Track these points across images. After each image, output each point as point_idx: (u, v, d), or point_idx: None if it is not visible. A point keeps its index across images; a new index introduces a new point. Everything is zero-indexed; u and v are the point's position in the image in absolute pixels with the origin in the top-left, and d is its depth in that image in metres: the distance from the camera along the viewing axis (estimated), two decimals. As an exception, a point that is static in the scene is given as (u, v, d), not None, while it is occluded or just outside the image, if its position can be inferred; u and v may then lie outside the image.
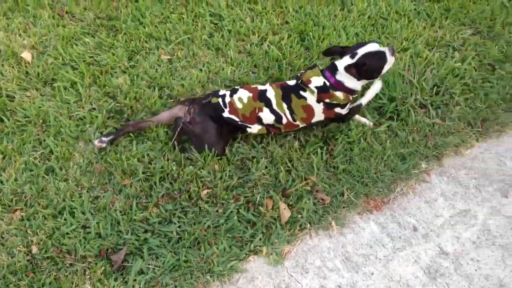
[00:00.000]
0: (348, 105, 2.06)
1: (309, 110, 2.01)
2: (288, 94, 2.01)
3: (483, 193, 1.99)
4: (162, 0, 2.70)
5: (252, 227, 1.80)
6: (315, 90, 1.98)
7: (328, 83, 1.98)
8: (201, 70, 2.34)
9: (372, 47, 1.98)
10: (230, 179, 1.91)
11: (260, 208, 1.83)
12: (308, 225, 1.82)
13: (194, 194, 1.84)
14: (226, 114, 1.96)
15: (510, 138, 2.21)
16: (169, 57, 2.40)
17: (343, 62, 1.98)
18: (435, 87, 2.37)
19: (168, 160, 1.94)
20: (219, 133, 1.97)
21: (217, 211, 1.82)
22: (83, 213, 1.78)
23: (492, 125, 2.24)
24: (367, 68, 1.94)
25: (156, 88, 2.21)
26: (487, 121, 2.25)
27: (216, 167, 1.94)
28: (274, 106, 1.99)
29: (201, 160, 1.94)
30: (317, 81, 1.98)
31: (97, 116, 2.06)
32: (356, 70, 1.95)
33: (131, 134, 2.01)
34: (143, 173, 1.89)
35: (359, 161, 2.02)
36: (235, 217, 1.80)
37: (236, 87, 2.05)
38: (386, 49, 2.01)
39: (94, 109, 2.13)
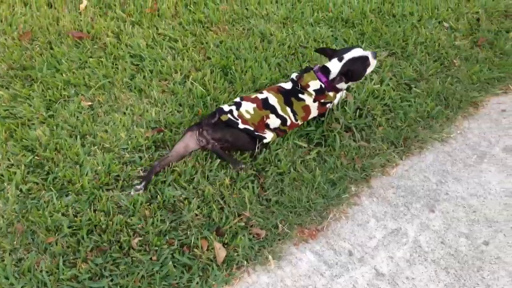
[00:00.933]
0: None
1: (307, 109, 2.25)
2: (288, 98, 2.22)
3: (411, 210, 2.04)
4: (79, 45, 2.64)
5: (188, 271, 1.75)
6: (313, 93, 2.22)
7: (323, 85, 2.24)
8: (124, 113, 2.29)
9: (357, 52, 2.26)
10: (162, 224, 1.86)
11: (195, 250, 1.79)
12: (245, 262, 1.80)
13: (125, 243, 1.77)
14: (241, 125, 2.11)
15: (431, 154, 2.30)
16: (90, 103, 2.34)
17: (333, 65, 2.25)
18: (358, 110, 2.44)
19: (95, 211, 1.86)
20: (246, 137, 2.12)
21: (150, 259, 1.76)
22: (7, 277, 1.67)
23: (413, 143, 2.33)
24: (352, 73, 2.24)
25: (78, 137, 2.14)
26: (408, 139, 2.34)
27: (147, 212, 1.88)
28: (280, 112, 2.19)
29: (131, 207, 1.88)
30: (314, 84, 2.23)
31: (15, 173, 1.96)
32: (345, 77, 2.23)
33: (52, 188, 1.92)
34: (69, 227, 1.80)
35: (290, 191, 2.03)
36: (170, 263, 1.74)
37: (237, 100, 2.19)
38: (369, 53, 2.28)
39: (12, 165, 2.02)
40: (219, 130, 2.09)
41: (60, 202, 1.87)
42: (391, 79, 2.65)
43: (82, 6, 2.96)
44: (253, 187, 2.02)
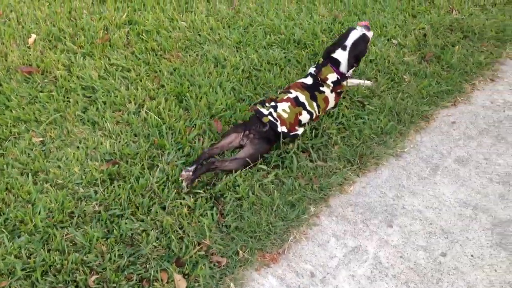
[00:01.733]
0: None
1: (327, 101, 2.50)
2: (313, 93, 2.45)
3: (370, 227, 2.07)
4: (28, 79, 2.59)
5: (149, 306, 1.72)
6: (331, 85, 2.49)
7: (338, 77, 2.51)
8: (78, 147, 2.26)
9: (355, 34, 2.55)
10: (120, 259, 1.82)
11: (155, 283, 1.76)
12: (207, 292, 1.78)
13: (82, 283, 1.73)
14: (279, 128, 2.28)
15: (386, 169, 2.35)
16: (41, 139, 2.29)
17: (340, 55, 2.54)
18: (314, 130, 2.47)
19: (49, 250, 1.81)
20: (268, 150, 2.30)
21: (109, 296, 1.72)
22: (-43, 328, 1.60)
23: (369, 159, 2.37)
24: (359, 55, 2.58)
25: (30, 174, 2.09)
26: (364, 156, 2.37)
27: (104, 248, 1.84)
28: (308, 108, 2.40)
29: (87, 243, 1.84)
30: (332, 77, 2.50)
31: (-36, 217, 1.89)
32: (356, 63, 2.58)
33: (3, 230, 1.86)
34: (22, 270, 1.74)
35: (250, 216, 2.02)
36: (130, 299, 1.71)
37: (272, 104, 2.36)
38: (363, 30, 2.57)
39: (-39, 209, 1.95)
40: (262, 139, 2.26)
41: (12, 244, 1.81)
42: (344, 97, 2.69)
43: (30, 40, 2.92)
44: (212, 215, 2.01)
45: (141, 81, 2.68)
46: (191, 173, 2.08)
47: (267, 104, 2.38)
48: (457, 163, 2.41)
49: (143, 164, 2.18)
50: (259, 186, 2.16)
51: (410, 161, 2.41)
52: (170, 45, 2.97)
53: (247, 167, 2.21)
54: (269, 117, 2.30)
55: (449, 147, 2.51)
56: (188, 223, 1.97)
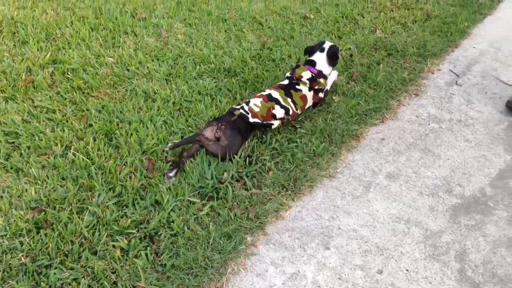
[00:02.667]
0: (324, 90, 2.85)
1: (305, 99, 2.72)
2: (288, 91, 2.68)
3: (307, 251, 2.08)
4: None
5: None
6: (307, 82, 2.73)
7: (313, 75, 2.76)
8: (1, 197, 2.15)
9: (328, 43, 2.89)
10: (50, 312, 1.73)
11: (89, 334, 1.68)
12: (144, 337, 1.72)
13: None
14: (251, 119, 2.48)
15: (321, 191, 2.37)
16: (-40, 191, 2.17)
17: (318, 57, 2.85)
18: (247, 158, 2.47)
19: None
20: (244, 139, 2.50)
21: None
22: None
23: (303, 183, 2.39)
24: (335, 55, 2.86)
25: None
26: (298, 180, 2.39)
27: (32, 302, 1.75)
28: (283, 103, 2.61)
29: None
30: (306, 75, 2.75)
31: None
32: (332, 60, 2.85)
33: None
34: None
35: (186, 252, 1.98)
36: None
37: (247, 100, 2.59)
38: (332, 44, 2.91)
39: None
40: (233, 128, 2.44)
41: None
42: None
43: None
44: (146, 255, 1.96)
45: (67, 121, 2.60)
46: (173, 178, 2.29)
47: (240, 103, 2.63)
48: (388, 179, 2.48)
49: (71, 209, 2.11)
50: (195, 220, 2.14)
51: (343, 181, 2.45)
52: (98, 82, 2.91)
53: (227, 158, 2.41)
54: (241, 110, 2.50)
55: (380, 163, 2.57)
56: (121, 266, 1.90)
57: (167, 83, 3.00)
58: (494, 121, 2.94)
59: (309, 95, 2.75)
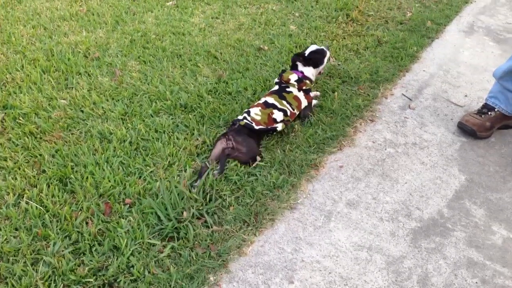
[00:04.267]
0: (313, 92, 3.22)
1: (298, 99, 2.98)
2: (281, 94, 2.94)
3: (271, 287, 2.05)
4: None
5: None
6: (295, 83, 3.00)
7: (299, 76, 3.04)
8: (-51, 253, 2.05)
9: (313, 47, 3.19)
10: None
11: None
12: None
13: None
14: (256, 126, 2.73)
15: (282, 224, 2.37)
16: None
17: (299, 61, 3.14)
18: (207, 194, 2.45)
19: None
20: (258, 143, 2.76)
21: None
22: None
23: (264, 217, 2.38)
24: (313, 60, 3.14)
25: None
26: (259, 214, 2.38)
27: None
28: (279, 106, 2.86)
29: None
30: (293, 77, 3.03)
31: None
32: (306, 62, 3.11)
33: None
34: None
35: (147, 298, 1.93)
36: None
37: (246, 110, 2.85)
38: (323, 47, 3.23)
39: None
40: (241, 134, 2.68)
41: None
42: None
43: None
44: (105, 304, 1.89)
45: (19, 169, 2.52)
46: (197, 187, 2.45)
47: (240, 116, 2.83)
48: (348, 206, 2.49)
49: (26, 261, 2.03)
50: (155, 263, 2.09)
51: (305, 212, 2.45)
52: (50, 126, 2.85)
53: (253, 162, 2.67)
54: (245, 120, 2.74)
55: (340, 191, 2.59)
56: (79, 319, 1.83)
57: (123, 123, 2.96)
58: (447, 142, 3.02)
59: (300, 95, 3.00)
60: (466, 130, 3.04)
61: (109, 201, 2.37)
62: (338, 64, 3.79)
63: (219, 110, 3.11)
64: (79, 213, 2.29)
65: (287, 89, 2.98)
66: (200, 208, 2.37)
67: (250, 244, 2.26)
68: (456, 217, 2.47)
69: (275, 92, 2.97)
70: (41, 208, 2.29)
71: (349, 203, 2.51)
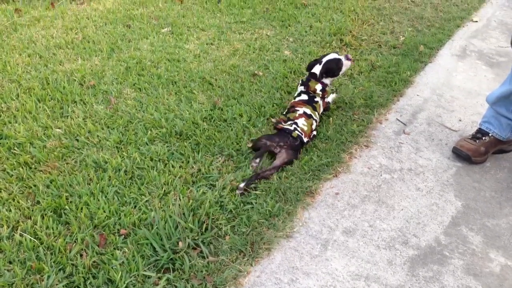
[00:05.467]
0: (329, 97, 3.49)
1: (320, 108, 3.27)
2: (312, 105, 3.20)
3: (269, 319, 2.02)
4: None
5: None
6: (320, 93, 3.26)
7: (322, 86, 3.28)
8: None
9: (331, 56, 3.34)
10: None
11: None
12: None
13: None
14: (305, 140, 3.01)
15: (279, 253, 2.35)
16: None
17: (316, 69, 3.30)
18: (204, 223, 2.43)
19: None
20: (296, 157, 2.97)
21: None
22: None
23: (260, 246, 2.36)
24: (329, 70, 3.31)
25: None
26: (255, 243, 2.36)
27: None
28: (314, 117, 3.15)
29: None
30: (318, 87, 3.27)
31: None
32: (325, 74, 3.30)
33: None
34: None
35: (142, 332, 1.90)
36: None
37: (292, 120, 3.09)
38: (342, 57, 3.36)
39: None
40: (293, 149, 2.93)
41: None
42: (230, 181, 2.70)
43: None
44: None
45: (14, 200, 2.51)
46: (242, 190, 2.65)
47: (283, 122, 3.11)
48: (345, 234, 2.48)
49: (19, 295, 2.00)
50: (151, 296, 2.06)
51: (301, 240, 2.43)
52: (45, 155, 2.84)
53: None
54: (297, 131, 2.96)
55: (336, 219, 2.58)
56: None
57: (118, 151, 2.96)
58: (443, 168, 3.03)
59: (321, 103, 3.29)
60: (461, 155, 3.05)
61: (104, 232, 2.35)
62: (332, 90, 3.81)
63: (214, 138, 3.11)
64: (74, 245, 2.27)
65: (315, 99, 3.23)
66: (196, 238, 2.36)
67: (247, 274, 2.23)
68: (454, 244, 2.46)
69: (307, 102, 3.20)
70: (35, 240, 2.27)
71: (345, 231, 2.50)
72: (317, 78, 3.29)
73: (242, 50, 4.49)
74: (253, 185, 2.73)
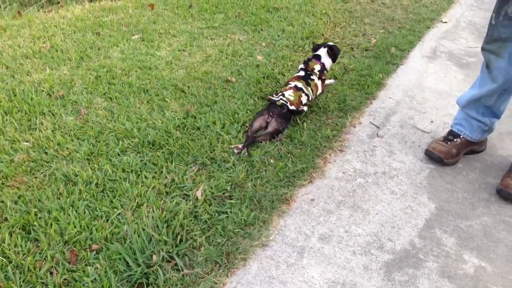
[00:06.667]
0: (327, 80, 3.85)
1: (317, 87, 3.57)
2: (306, 80, 3.48)
3: (245, 331, 2.00)
4: None
5: None
6: (318, 73, 3.57)
7: (321, 67, 3.60)
8: None
9: (331, 43, 3.76)
10: None
11: None
12: None
13: None
14: (290, 107, 3.28)
15: (255, 263, 2.32)
16: None
17: (321, 51, 3.72)
18: (178, 235, 2.39)
19: None
20: (287, 122, 3.32)
21: None
22: None
23: (236, 256, 2.33)
24: (335, 50, 3.74)
25: None
26: (230, 254, 2.34)
27: None
28: (305, 91, 3.41)
29: None
30: (317, 67, 3.59)
31: None
32: (331, 50, 3.72)
33: None
34: None
35: None
36: None
37: (282, 91, 3.42)
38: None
39: None
40: (281, 117, 3.25)
41: None
42: (207, 194, 2.67)
43: None
44: None
45: (-20, 219, 2.43)
46: (240, 150, 2.98)
47: (274, 95, 3.41)
48: (321, 241, 2.47)
49: (-14, 319, 1.93)
50: (124, 313, 2.01)
51: (277, 249, 2.41)
52: (13, 170, 2.76)
53: (274, 137, 3.19)
54: (281, 101, 3.28)
55: (312, 226, 2.57)
56: None
57: (89, 163, 2.89)
58: (416, 170, 3.05)
59: (319, 83, 3.58)
60: (433, 157, 3.07)
61: (75, 248, 2.30)
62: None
63: (188, 146, 3.07)
64: (43, 262, 2.21)
65: (311, 77, 3.51)
66: (170, 250, 2.32)
67: (222, 286, 2.20)
68: (428, 247, 2.47)
69: (302, 78, 3.49)
70: (3, 259, 2.19)
71: (321, 238, 2.49)
72: (322, 62, 3.66)
73: (215, 56, 4.46)
74: (227, 194, 2.69)
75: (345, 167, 3.04)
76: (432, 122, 3.62)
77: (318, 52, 3.69)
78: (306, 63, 3.61)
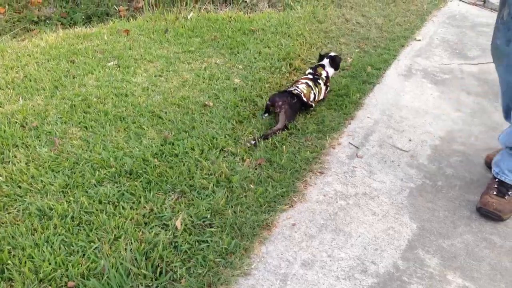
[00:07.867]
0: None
1: (321, 92, 3.87)
2: (315, 82, 3.82)
3: None
4: None
5: None
6: (325, 78, 3.93)
7: (327, 74, 3.98)
8: None
9: (332, 54, 4.12)
10: None
11: None
12: None
13: None
14: (304, 98, 3.63)
15: (237, 294, 2.27)
16: None
17: (325, 61, 4.10)
18: (158, 267, 2.33)
19: None
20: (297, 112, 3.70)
21: None
22: None
23: (218, 287, 2.27)
24: (336, 60, 4.13)
25: None
26: (212, 285, 2.28)
27: None
28: (313, 90, 3.75)
29: None
30: (324, 73, 3.95)
31: None
32: (334, 62, 4.10)
33: None
34: None
35: None
36: None
37: (296, 86, 3.76)
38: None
39: None
40: (291, 109, 3.59)
41: None
42: (186, 222, 2.61)
43: None
44: None
45: (-51, 259, 2.33)
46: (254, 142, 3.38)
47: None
48: (303, 267, 2.43)
49: None
50: None
51: (259, 277, 2.37)
52: (-16, 206, 2.67)
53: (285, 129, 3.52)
54: (296, 91, 3.62)
55: (294, 251, 2.53)
56: None
57: (64, 196, 2.82)
58: (396, 190, 3.04)
59: (323, 89, 3.89)
60: (489, 215, 2.81)
61: (50, 286, 2.22)
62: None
63: (166, 174, 3.02)
64: (17, 303, 2.12)
65: (318, 81, 3.84)
66: (150, 284, 2.26)
67: (204, 320, 2.14)
68: (411, 268, 2.45)
69: (311, 79, 3.81)
70: (-26, 302, 2.10)
71: (304, 264, 2.45)
72: (326, 71, 4.02)
73: (192, 80, 4.43)
74: (207, 222, 2.65)
75: (326, 190, 3.02)
76: (410, 140, 3.64)
77: (323, 62, 4.07)
78: (314, 68, 3.95)
